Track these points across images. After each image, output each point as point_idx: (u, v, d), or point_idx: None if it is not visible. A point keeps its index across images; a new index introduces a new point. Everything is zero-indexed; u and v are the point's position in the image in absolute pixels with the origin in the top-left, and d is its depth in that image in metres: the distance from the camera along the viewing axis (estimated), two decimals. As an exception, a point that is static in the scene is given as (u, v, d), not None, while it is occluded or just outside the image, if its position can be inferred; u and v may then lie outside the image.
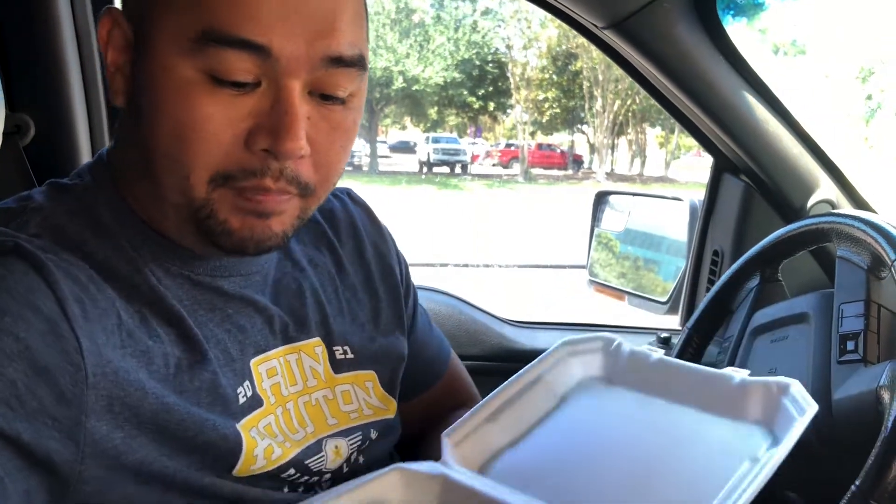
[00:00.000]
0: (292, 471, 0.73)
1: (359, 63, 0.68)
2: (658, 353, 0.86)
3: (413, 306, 0.97)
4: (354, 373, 0.83)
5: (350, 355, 0.83)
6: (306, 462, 0.75)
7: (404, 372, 0.91)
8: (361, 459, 0.81)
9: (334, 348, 0.82)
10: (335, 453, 0.78)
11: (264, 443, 0.71)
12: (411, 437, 0.99)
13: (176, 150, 0.64)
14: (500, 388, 0.83)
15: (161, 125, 0.64)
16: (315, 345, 0.81)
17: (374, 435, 0.83)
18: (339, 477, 0.78)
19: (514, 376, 0.84)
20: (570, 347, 0.89)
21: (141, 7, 0.66)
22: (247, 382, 0.72)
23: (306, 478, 0.75)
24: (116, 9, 0.69)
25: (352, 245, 0.90)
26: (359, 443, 0.81)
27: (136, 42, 0.66)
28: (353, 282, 0.88)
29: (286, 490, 0.74)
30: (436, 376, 1.01)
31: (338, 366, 0.82)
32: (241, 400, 0.71)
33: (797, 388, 0.72)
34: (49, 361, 0.58)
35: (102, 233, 0.69)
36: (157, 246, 0.71)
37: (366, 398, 0.84)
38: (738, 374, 0.78)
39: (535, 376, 0.85)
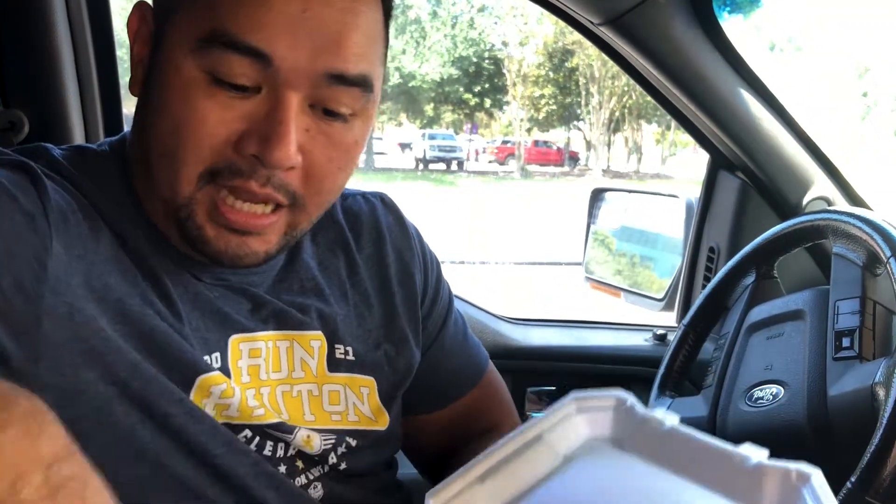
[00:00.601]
0: (248, 432, 0.72)
1: (362, 83, 0.67)
2: (673, 419, 0.82)
3: (444, 315, 0.94)
4: (351, 375, 0.81)
5: (350, 357, 0.82)
6: (267, 430, 0.73)
7: (425, 382, 0.89)
8: (343, 465, 0.79)
9: (336, 346, 0.81)
10: (305, 442, 0.75)
11: (223, 387, 0.70)
12: (436, 453, 0.96)
13: (171, 145, 0.65)
14: (496, 444, 0.80)
15: (162, 121, 0.66)
16: (313, 338, 0.79)
17: (350, 441, 0.80)
18: (311, 468, 0.76)
19: (514, 431, 0.82)
20: (579, 403, 0.85)
21: (166, 5, 0.68)
22: (217, 354, 0.72)
23: (271, 444, 0.73)
24: (147, 3, 0.72)
25: (371, 251, 0.88)
26: (332, 443, 0.78)
27: (156, 37, 0.69)
28: (365, 287, 0.86)
29: (257, 457, 0.72)
30: (460, 391, 0.96)
31: (335, 364, 0.81)
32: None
33: (818, 480, 0.69)
34: (14, 248, 0.58)
35: (103, 190, 0.70)
36: (150, 228, 0.72)
37: (357, 404, 0.82)
38: (756, 454, 0.75)
39: (537, 433, 0.81)
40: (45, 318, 0.60)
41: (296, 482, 0.75)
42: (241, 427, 0.72)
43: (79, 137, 1.28)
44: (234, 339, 0.74)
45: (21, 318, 0.58)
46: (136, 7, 0.71)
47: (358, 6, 0.67)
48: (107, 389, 0.64)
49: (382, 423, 0.83)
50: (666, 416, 0.80)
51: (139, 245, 0.70)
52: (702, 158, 1.68)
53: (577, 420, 0.80)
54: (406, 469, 0.93)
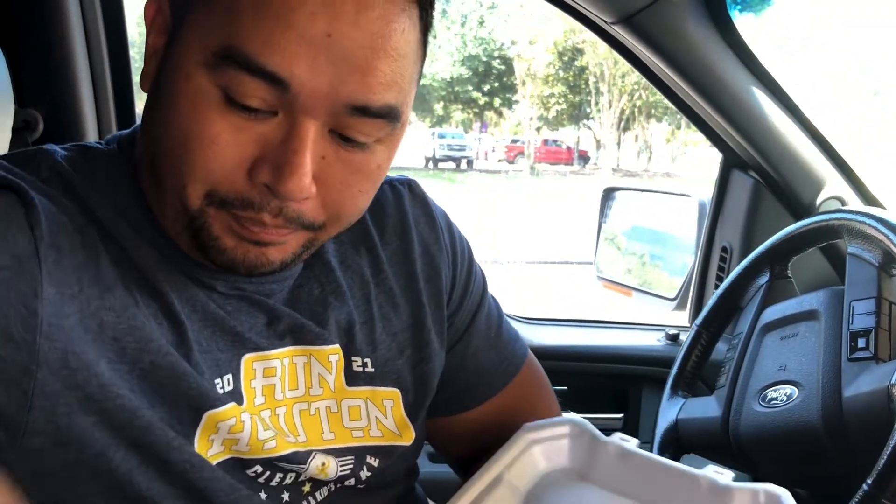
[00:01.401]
0: (259, 468, 0.69)
1: (389, 115, 0.62)
2: (631, 444, 0.77)
3: (474, 309, 0.88)
4: (372, 388, 0.77)
5: (369, 368, 0.77)
6: (280, 464, 0.70)
7: (449, 383, 0.85)
8: (363, 486, 0.76)
9: (352, 359, 0.76)
10: (320, 470, 0.72)
11: (232, 423, 0.66)
12: (467, 455, 0.91)
13: (178, 156, 0.61)
14: (458, 492, 0.73)
15: (170, 130, 0.61)
16: (331, 352, 0.75)
17: (370, 461, 0.76)
18: (319, 488, 0.73)
19: (474, 476, 0.73)
20: (533, 435, 0.75)
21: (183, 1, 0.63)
22: (229, 376, 0.68)
23: (280, 475, 0.70)
24: None
25: (397, 244, 0.82)
26: (349, 469, 0.74)
27: (172, 33, 0.63)
28: (391, 286, 0.81)
29: (263, 495, 0.69)
30: (490, 391, 0.89)
31: (353, 378, 0.76)
32: (219, 391, 0.67)
33: (788, 499, 0.66)
34: (1, 297, 0.55)
35: (107, 195, 0.66)
36: (159, 233, 0.68)
37: (380, 418, 0.77)
38: (721, 476, 0.71)
39: (495, 475, 0.73)
40: (39, 368, 0.57)
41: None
42: (252, 462, 0.68)
43: (92, 136, 1.29)
44: (247, 359, 0.70)
45: (11, 370, 0.56)
46: None
47: (391, 28, 0.59)
48: (103, 436, 0.60)
49: (407, 437, 0.79)
50: (623, 440, 0.74)
51: (145, 259, 0.66)
52: (713, 157, 1.68)
53: (534, 453, 0.73)
54: (425, 468, 0.92)
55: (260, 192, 0.61)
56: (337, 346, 0.75)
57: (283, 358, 0.72)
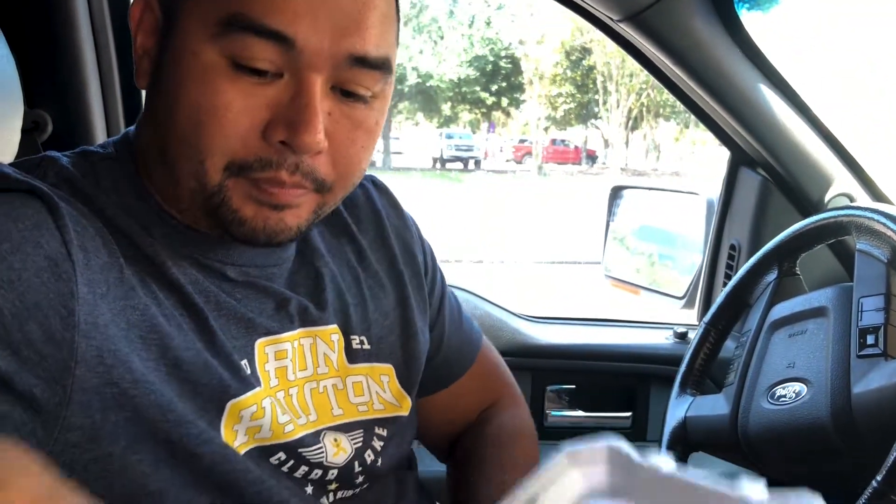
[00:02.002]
0: (282, 455, 0.70)
1: (384, 66, 0.67)
2: (670, 465, 0.77)
3: (440, 298, 0.94)
4: (370, 365, 0.81)
5: (367, 346, 0.81)
6: (300, 450, 0.72)
7: (430, 362, 0.89)
8: (379, 462, 0.78)
9: (351, 337, 0.80)
10: (335, 446, 0.74)
11: (253, 409, 0.69)
12: (439, 435, 0.97)
13: (193, 134, 0.64)
14: None
15: (181, 109, 0.64)
16: (332, 332, 0.79)
17: (379, 431, 0.80)
18: (349, 477, 0.75)
19: (509, 496, 0.78)
20: (572, 457, 0.80)
21: None
22: (245, 362, 0.70)
23: (304, 468, 0.72)
24: None
25: (374, 233, 0.88)
26: (360, 440, 0.77)
27: (165, 26, 0.67)
28: (375, 269, 0.86)
29: (289, 483, 0.71)
30: (462, 368, 0.97)
31: (353, 356, 0.80)
32: (241, 378, 0.69)
33: None
34: (41, 299, 0.58)
35: (114, 196, 0.69)
36: (168, 227, 0.70)
37: (379, 392, 0.81)
38: (756, 493, 0.71)
39: (531, 495, 0.77)
40: (77, 365, 0.59)
41: (325, 499, 0.74)
42: (275, 449, 0.70)
43: (101, 136, 1.29)
44: (260, 343, 0.72)
45: (53, 368, 0.58)
46: None
47: None
48: (135, 430, 0.62)
49: (405, 407, 0.83)
50: (662, 460, 0.76)
51: (158, 255, 0.68)
52: (721, 155, 1.67)
53: (571, 475, 0.75)
54: (424, 467, 0.93)
55: (276, 150, 0.65)
56: (335, 325, 0.79)
57: (293, 340, 0.75)
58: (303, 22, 0.62)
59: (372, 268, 0.86)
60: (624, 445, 0.82)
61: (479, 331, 1.01)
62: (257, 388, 0.70)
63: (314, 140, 0.64)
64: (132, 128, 0.76)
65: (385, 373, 0.83)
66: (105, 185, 0.69)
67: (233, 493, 0.67)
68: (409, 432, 0.86)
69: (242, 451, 0.68)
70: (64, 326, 0.58)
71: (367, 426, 0.79)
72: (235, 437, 0.68)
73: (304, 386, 0.75)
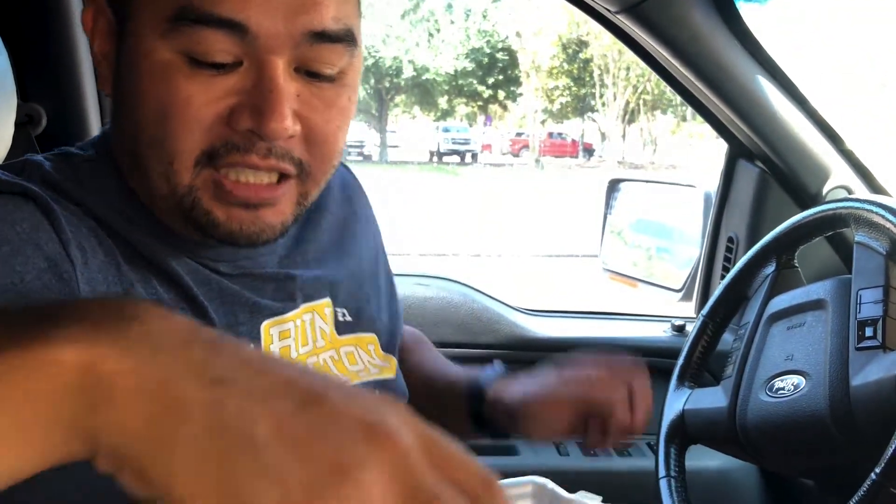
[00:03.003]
0: None
1: (346, 38, 0.64)
2: (595, 501, 0.77)
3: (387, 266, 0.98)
4: (356, 335, 0.82)
5: (349, 318, 0.82)
6: None
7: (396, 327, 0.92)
8: None
9: (337, 310, 0.81)
10: None
11: None
12: None
13: (159, 134, 0.62)
14: None
15: (143, 111, 0.62)
16: (326, 305, 0.79)
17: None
18: None
19: None
20: None
21: None
22: (251, 346, 0.71)
23: None
24: None
25: (339, 212, 0.88)
26: None
27: (118, 29, 0.65)
28: (348, 245, 0.87)
29: None
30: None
31: (340, 328, 0.81)
32: None
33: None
34: (43, 300, 0.56)
35: (100, 196, 0.67)
36: (157, 226, 0.69)
37: (369, 360, 0.83)
38: None
39: None
40: None
41: None
42: None
43: (95, 130, 1.29)
44: (265, 325, 0.72)
45: None
46: (88, 2, 0.68)
47: None
48: None
49: (392, 367, 0.85)
50: (588, 498, 0.74)
51: (153, 251, 0.67)
52: (718, 148, 1.67)
53: None
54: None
55: (244, 137, 0.62)
56: (328, 299, 0.80)
57: (295, 319, 0.75)
58: (253, 5, 0.59)
59: (343, 244, 0.87)
60: (548, 482, 0.82)
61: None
62: None
63: (282, 126, 0.61)
64: (108, 127, 0.74)
65: (371, 342, 0.84)
66: (90, 188, 0.67)
67: None
68: (397, 392, 0.86)
69: None
70: None
71: (369, 388, 0.80)
72: None
73: (305, 361, 0.75)
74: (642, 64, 1.52)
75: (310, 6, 0.61)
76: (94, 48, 0.68)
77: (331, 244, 0.85)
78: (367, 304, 0.85)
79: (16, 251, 0.57)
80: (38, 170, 0.67)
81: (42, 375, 0.31)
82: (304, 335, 0.76)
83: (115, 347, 0.31)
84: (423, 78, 27.68)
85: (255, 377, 0.32)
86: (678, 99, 1.53)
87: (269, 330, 0.72)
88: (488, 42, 28.00)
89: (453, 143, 26.77)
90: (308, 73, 0.64)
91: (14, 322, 0.33)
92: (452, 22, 27.02)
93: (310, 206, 0.81)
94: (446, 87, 28.72)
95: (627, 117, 27.65)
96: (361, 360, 0.82)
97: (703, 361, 1.20)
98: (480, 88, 28.63)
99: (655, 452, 1.16)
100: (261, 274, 0.74)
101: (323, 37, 0.62)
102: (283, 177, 0.66)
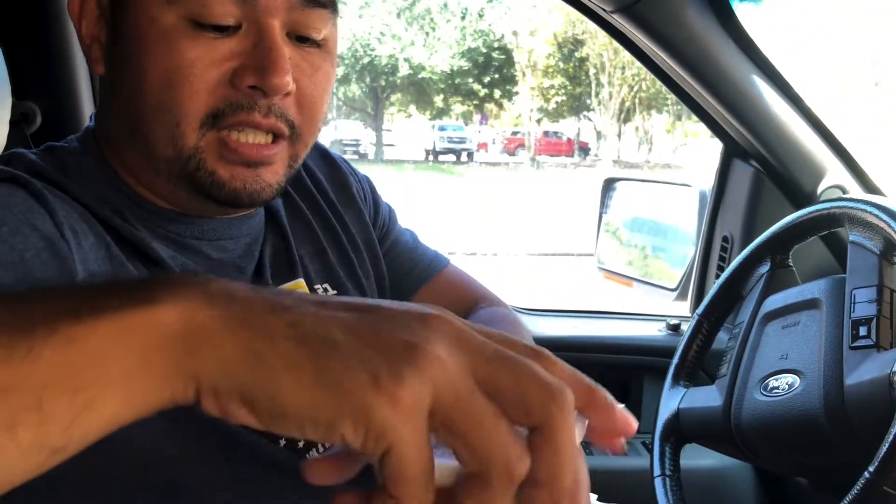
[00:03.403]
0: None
1: (331, 4, 0.70)
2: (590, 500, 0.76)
3: (387, 223, 0.97)
4: None
5: (332, 292, 0.83)
6: None
7: (383, 290, 0.91)
8: None
9: (314, 287, 0.81)
10: None
11: None
12: None
13: (165, 97, 0.65)
14: None
15: (148, 76, 0.65)
16: (293, 287, 0.79)
17: None
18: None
19: None
20: None
21: None
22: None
23: (301, 442, 0.72)
24: None
25: (310, 187, 0.89)
26: None
27: (113, 4, 0.68)
28: (323, 218, 0.87)
29: (282, 443, 0.71)
30: (412, 288, 0.96)
31: None
32: None
33: None
34: (44, 277, 0.58)
35: (86, 185, 0.69)
36: (143, 209, 0.71)
37: None
38: None
39: None
40: None
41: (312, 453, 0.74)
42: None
43: (91, 129, 1.28)
44: None
45: None
46: None
47: None
48: None
49: None
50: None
51: (137, 236, 0.69)
52: (713, 147, 1.67)
53: None
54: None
55: (247, 95, 0.66)
56: (301, 280, 0.80)
57: None
58: None
59: (318, 215, 0.87)
60: None
61: (440, 264, 1.00)
62: None
63: (283, 81, 0.66)
64: (91, 123, 0.76)
65: None
66: (75, 176, 0.70)
67: (223, 453, 0.66)
68: None
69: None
70: None
71: None
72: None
73: None
74: (638, 63, 1.52)
75: None
76: (81, 32, 0.71)
77: (300, 217, 0.85)
78: (352, 275, 0.85)
79: (14, 231, 0.59)
80: (22, 160, 0.69)
81: (150, 333, 0.35)
82: None
83: (201, 301, 0.36)
84: (419, 76, 27.66)
85: (317, 303, 0.37)
86: (673, 98, 1.53)
87: None
88: (484, 41, 27.98)
89: (449, 141, 26.75)
90: (298, 37, 0.69)
91: (91, 295, 0.37)
92: (448, 21, 27.02)
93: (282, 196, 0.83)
94: (442, 86, 28.70)
95: (623, 116, 27.66)
96: None
97: (698, 360, 1.21)
98: (476, 87, 28.61)
99: (650, 451, 1.16)
100: (238, 265, 0.76)
101: (314, 2, 0.68)
102: (276, 138, 0.70)
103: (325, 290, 0.82)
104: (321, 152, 0.94)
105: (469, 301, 0.98)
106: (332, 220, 0.88)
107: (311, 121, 0.72)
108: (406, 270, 0.97)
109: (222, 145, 0.67)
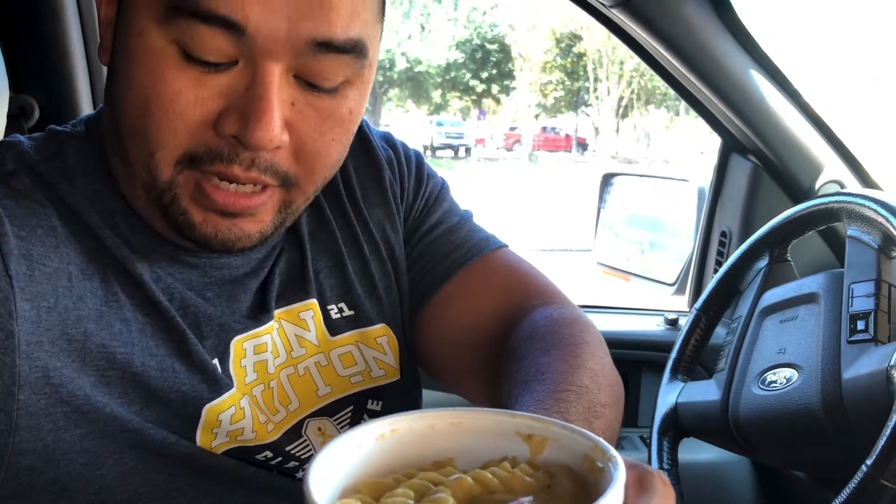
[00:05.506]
0: (269, 453, 0.67)
1: (355, 49, 0.59)
2: None
3: (431, 199, 0.85)
4: (359, 331, 0.75)
5: (348, 312, 0.75)
6: (286, 448, 0.68)
7: (415, 276, 0.81)
8: None
9: (328, 308, 0.74)
10: (320, 435, 0.70)
11: (231, 412, 0.64)
12: (440, 355, 0.82)
13: (142, 123, 0.58)
14: None
15: (130, 94, 0.59)
16: (301, 309, 0.73)
17: (372, 406, 0.73)
18: None
19: None
20: None
21: None
22: (216, 360, 0.65)
23: (293, 462, 0.68)
24: None
25: (337, 188, 0.79)
26: (348, 422, 0.72)
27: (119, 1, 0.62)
28: (352, 224, 0.78)
29: (278, 476, 0.68)
30: (447, 274, 0.82)
31: (335, 327, 0.74)
32: (212, 379, 0.65)
33: None
34: None
35: (80, 181, 0.64)
36: (133, 215, 0.65)
37: (378, 357, 0.75)
38: None
39: None
40: (21, 389, 0.55)
41: None
42: (261, 448, 0.66)
43: (89, 123, 1.28)
44: (237, 341, 0.67)
45: None
46: None
47: None
48: (93, 446, 0.58)
49: (409, 373, 0.78)
50: None
51: (121, 249, 0.63)
52: (712, 142, 1.67)
53: None
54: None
55: (229, 144, 0.58)
56: (313, 300, 0.73)
57: (271, 331, 0.70)
58: (254, 5, 0.54)
59: (344, 217, 0.78)
60: None
61: (488, 246, 0.85)
62: (231, 389, 0.65)
63: (268, 136, 0.57)
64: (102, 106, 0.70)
65: (381, 334, 0.76)
66: (72, 167, 0.64)
67: (214, 492, 0.64)
68: (406, 402, 0.78)
69: (221, 451, 0.64)
70: (2, 350, 0.55)
71: (359, 401, 0.73)
72: (214, 439, 0.64)
73: (279, 374, 0.70)
74: (636, 58, 1.52)
75: (317, 12, 0.56)
76: (100, 12, 0.64)
77: (323, 221, 0.77)
78: (373, 290, 0.77)
79: None
80: (13, 151, 0.64)
81: None
82: (275, 348, 0.70)
83: None
84: (416, 71, 27.63)
85: None
86: (672, 94, 1.53)
87: (242, 345, 0.68)
88: (482, 36, 27.96)
89: (447, 137, 26.71)
90: (308, 83, 0.60)
91: None
92: (449, 20, 26.98)
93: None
94: (439, 81, 28.68)
95: (621, 112, 27.65)
96: (365, 359, 0.75)
97: (696, 355, 1.21)
98: (474, 82, 28.60)
99: (648, 445, 1.16)
100: (239, 280, 0.70)
101: (328, 47, 0.58)
102: (265, 186, 0.62)
103: (341, 309, 0.75)
104: (363, 141, 0.82)
105: (519, 294, 0.82)
106: (357, 229, 0.78)
107: (311, 171, 0.63)
108: (449, 249, 0.83)
109: (198, 188, 0.60)
